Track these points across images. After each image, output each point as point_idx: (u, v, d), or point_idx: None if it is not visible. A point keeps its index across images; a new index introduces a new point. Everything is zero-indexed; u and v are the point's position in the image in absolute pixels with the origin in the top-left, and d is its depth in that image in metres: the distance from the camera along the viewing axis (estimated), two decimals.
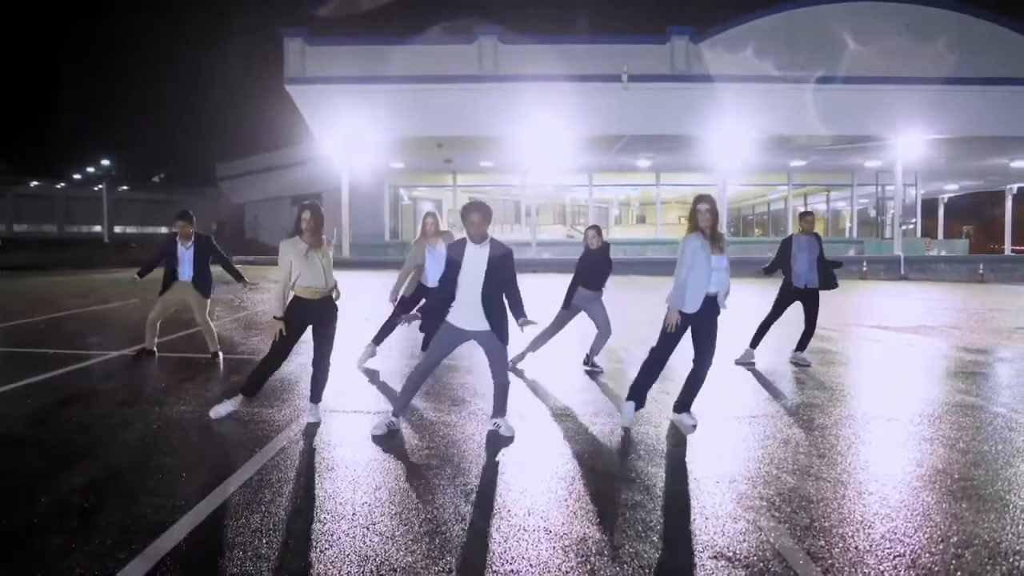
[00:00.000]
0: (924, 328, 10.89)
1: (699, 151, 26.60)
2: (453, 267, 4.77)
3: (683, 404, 5.31)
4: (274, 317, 5.12)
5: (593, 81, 24.06)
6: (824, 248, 7.80)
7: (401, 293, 7.30)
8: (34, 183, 57.14)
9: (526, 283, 5.71)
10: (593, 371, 7.23)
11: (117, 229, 57.41)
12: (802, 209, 31.52)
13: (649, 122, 24.87)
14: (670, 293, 5.14)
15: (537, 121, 24.07)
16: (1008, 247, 38.60)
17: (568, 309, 7.25)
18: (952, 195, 44.79)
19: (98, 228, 54.99)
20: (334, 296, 5.28)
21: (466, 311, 4.78)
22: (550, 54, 23.84)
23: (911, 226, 36.65)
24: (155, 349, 7.83)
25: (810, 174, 34.31)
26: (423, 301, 6.82)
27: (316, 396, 5.36)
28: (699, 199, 5.15)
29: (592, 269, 7.12)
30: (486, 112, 24.45)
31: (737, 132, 24.50)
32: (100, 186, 54.20)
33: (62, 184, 58.05)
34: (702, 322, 5.10)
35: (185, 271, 7.63)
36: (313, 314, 5.18)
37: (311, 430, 5.08)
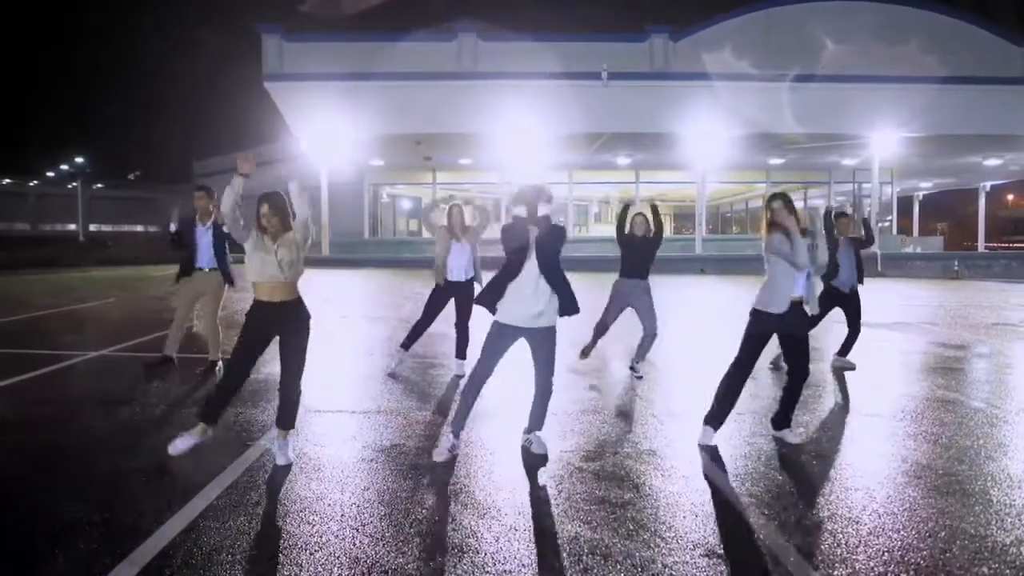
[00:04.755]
0: (902, 324, 11.03)
1: (678, 149, 26.70)
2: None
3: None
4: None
5: (573, 79, 24.03)
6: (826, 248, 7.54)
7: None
8: (6, 180, 56.06)
9: None
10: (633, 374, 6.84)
11: (92, 227, 56.53)
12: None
13: (628, 120, 24.92)
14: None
15: (517, 119, 24.02)
16: (981, 244, 39.26)
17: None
18: (927, 192, 45.44)
19: (72, 226, 54.11)
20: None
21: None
22: (530, 52, 23.78)
23: (887, 223, 37.10)
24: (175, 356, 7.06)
25: (788, 172, 34.60)
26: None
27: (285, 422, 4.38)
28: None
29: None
30: (465, 109, 24.35)
31: (716, 130, 24.64)
32: (74, 183, 53.33)
33: (35, 182, 57.04)
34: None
35: (204, 257, 6.79)
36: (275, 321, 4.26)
37: (298, 430, 5.01)
